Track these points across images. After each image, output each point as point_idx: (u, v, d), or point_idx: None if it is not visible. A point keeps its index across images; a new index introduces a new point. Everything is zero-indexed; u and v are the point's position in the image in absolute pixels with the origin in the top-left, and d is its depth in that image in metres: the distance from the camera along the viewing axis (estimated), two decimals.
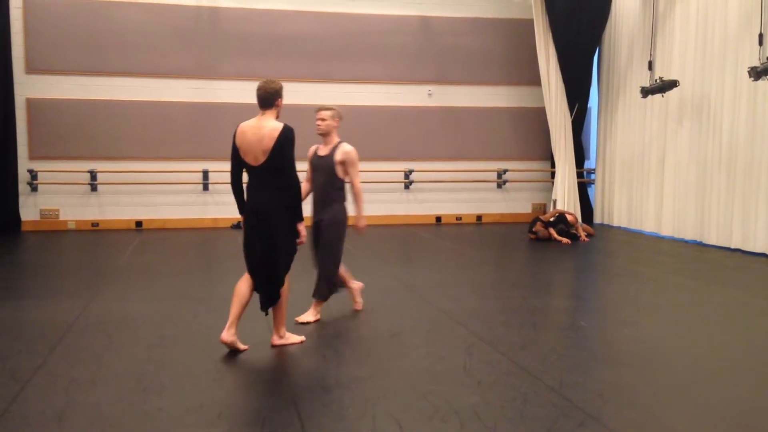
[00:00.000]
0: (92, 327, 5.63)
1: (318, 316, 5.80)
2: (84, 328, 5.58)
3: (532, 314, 6.18)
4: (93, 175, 12.18)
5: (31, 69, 11.93)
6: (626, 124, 12.84)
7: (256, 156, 4.80)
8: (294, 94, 12.94)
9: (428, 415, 3.78)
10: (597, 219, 13.74)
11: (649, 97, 11.57)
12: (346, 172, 5.78)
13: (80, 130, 12.08)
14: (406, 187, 13.63)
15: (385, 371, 4.52)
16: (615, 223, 13.20)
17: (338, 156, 5.75)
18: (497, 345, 5.11)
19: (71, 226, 12.30)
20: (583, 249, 10.42)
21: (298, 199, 4.90)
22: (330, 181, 5.78)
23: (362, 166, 13.98)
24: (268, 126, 4.81)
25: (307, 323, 5.71)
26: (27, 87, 11.91)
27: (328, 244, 5.80)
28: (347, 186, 5.90)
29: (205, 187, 12.77)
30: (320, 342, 5.27)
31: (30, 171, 11.98)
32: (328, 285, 5.81)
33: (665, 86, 10.95)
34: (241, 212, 5.01)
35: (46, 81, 11.98)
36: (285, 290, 5.00)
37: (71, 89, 12.08)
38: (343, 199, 5.85)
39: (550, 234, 10.97)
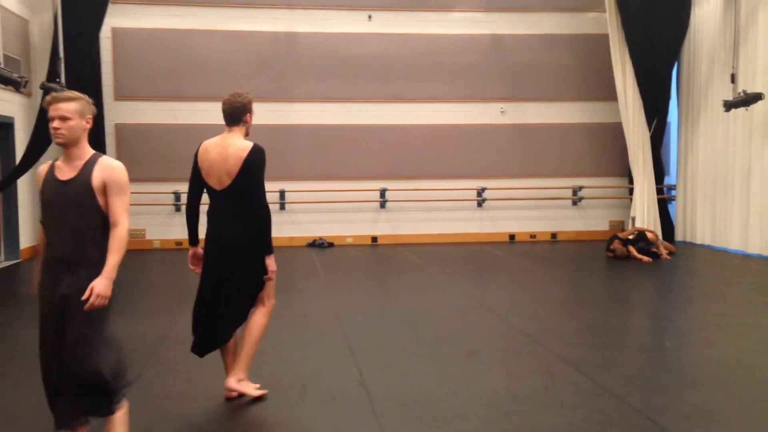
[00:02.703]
0: (181, 343, 5.84)
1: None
2: (173, 344, 5.80)
3: (613, 334, 6.05)
4: (177, 196, 12.68)
5: (119, 96, 12.56)
6: (708, 139, 12.44)
7: (219, 178, 4.18)
8: (366, 114, 13.23)
9: None
10: (678, 236, 13.31)
11: (732, 110, 11.19)
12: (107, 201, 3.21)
13: (164, 153, 12.60)
14: (479, 204, 13.58)
15: (464, 390, 4.53)
16: (698, 241, 12.75)
17: (96, 179, 3.16)
18: (579, 365, 5.03)
19: (156, 245, 12.81)
20: (665, 268, 10.11)
21: (268, 230, 4.23)
22: (80, 224, 3.17)
23: (434, 184, 14.22)
24: (235, 145, 4.18)
25: None
26: (115, 113, 12.54)
27: (78, 342, 3.17)
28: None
29: (282, 207, 13.08)
30: (398, 359, 5.31)
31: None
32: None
33: (749, 99, 10.56)
34: (191, 242, 4.37)
35: (132, 107, 12.59)
36: (261, 324, 4.37)
37: (156, 114, 12.65)
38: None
39: (629, 252, 10.70)
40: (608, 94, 13.21)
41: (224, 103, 4.30)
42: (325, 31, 13.07)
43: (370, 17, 13.14)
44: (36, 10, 11.79)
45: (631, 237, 10.92)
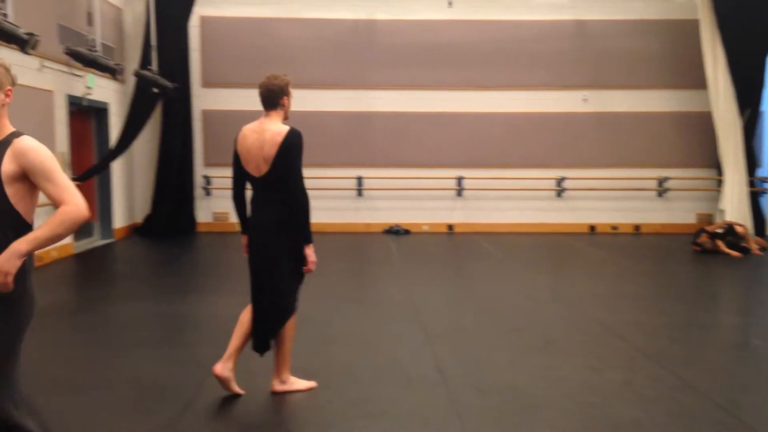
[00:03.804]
0: None
1: None
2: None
3: (698, 330, 5.88)
4: None
5: (206, 83, 12.98)
6: None
7: (257, 165, 4.03)
8: (444, 101, 13.19)
9: (588, 426, 3.74)
10: None
11: None
12: (28, 192, 2.69)
13: None
14: (558, 194, 13.35)
15: (541, 380, 4.52)
16: None
17: (6, 166, 2.62)
18: (660, 360, 4.92)
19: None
20: (755, 263, 9.69)
21: (306, 217, 4.05)
22: None
23: (513, 173, 14.06)
24: (271, 130, 4.02)
25: None
26: (202, 99, 12.97)
27: None
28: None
29: (359, 193, 13.25)
30: (474, 347, 5.34)
31: (205, 177, 13.03)
32: None
33: None
34: (242, 230, 4.25)
35: (218, 94, 12.98)
36: (291, 324, 4.21)
37: (240, 101, 12.95)
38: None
39: (717, 246, 10.31)
40: (697, 81, 12.70)
41: (260, 86, 4.15)
42: (404, 18, 13.09)
43: (450, 4, 13.04)
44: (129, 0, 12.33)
45: (719, 231, 10.52)
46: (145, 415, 3.93)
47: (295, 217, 4.02)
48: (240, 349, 4.18)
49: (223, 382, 4.12)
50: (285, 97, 4.14)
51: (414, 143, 13.17)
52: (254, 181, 4.08)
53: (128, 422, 3.82)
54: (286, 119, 4.15)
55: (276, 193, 4.01)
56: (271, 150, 3.96)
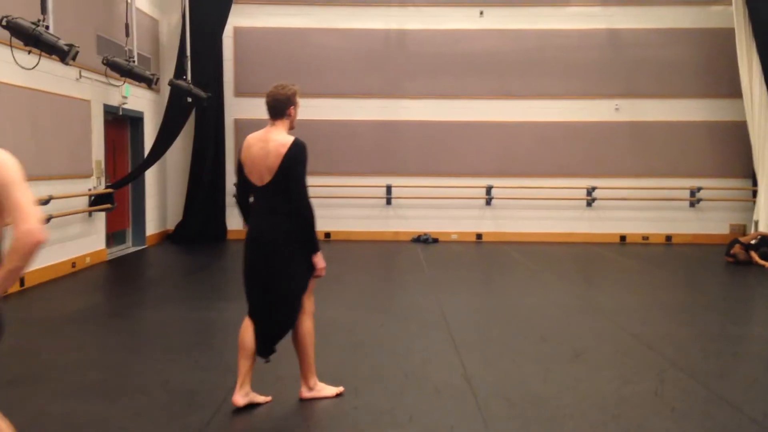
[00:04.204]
0: None
1: None
2: None
3: (731, 342, 5.79)
4: None
5: (238, 92, 13.16)
6: None
7: (261, 174, 4.02)
8: (475, 111, 13.19)
9: None
10: None
11: None
12: None
13: None
14: (589, 204, 13.24)
15: (571, 390, 4.49)
16: None
17: None
18: (692, 372, 4.86)
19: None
20: None
21: (312, 228, 4.03)
22: None
23: (542, 182, 14.01)
24: (276, 140, 4.00)
25: None
26: (235, 108, 13.15)
27: None
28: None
29: (388, 202, 13.29)
30: (503, 356, 5.32)
31: (236, 185, 13.16)
32: None
33: None
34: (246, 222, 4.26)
35: (251, 103, 13.10)
36: (309, 330, 4.20)
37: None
38: None
39: (750, 257, 10.14)
40: (732, 91, 12.53)
41: (267, 96, 4.11)
42: (436, 27, 13.14)
43: (481, 13, 13.08)
44: (165, 11, 12.57)
45: (753, 242, 10.34)
46: (175, 419, 3.99)
47: (300, 227, 4.01)
48: (250, 370, 4.14)
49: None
50: (292, 107, 4.11)
51: (444, 152, 13.19)
52: (257, 190, 4.07)
53: (159, 427, 3.89)
54: (291, 129, 4.15)
55: (278, 203, 4.00)
56: (276, 160, 3.95)
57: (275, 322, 4.13)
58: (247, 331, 4.14)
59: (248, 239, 4.12)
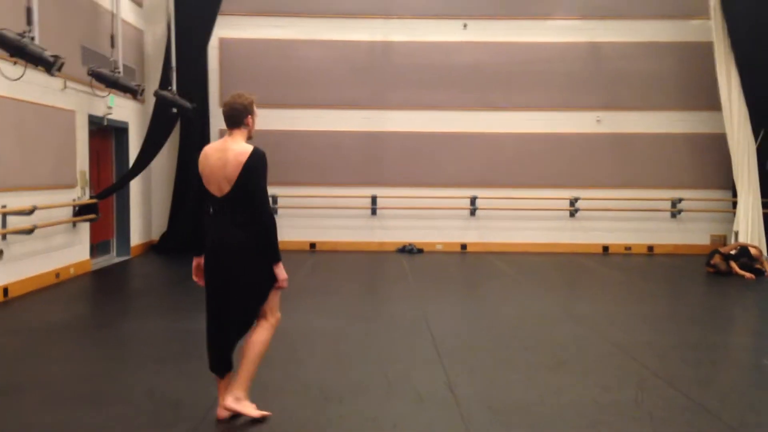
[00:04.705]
0: (277, 339, 6.06)
1: None
2: (273, 339, 6.09)
3: (710, 350, 5.89)
4: (274, 199, 13.17)
5: (223, 102, 13.16)
6: None
7: (219, 185, 3.96)
8: (459, 122, 13.31)
9: None
10: None
11: None
12: None
13: None
14: (572, 215, 13.38)
15: (552, 398, 4.56)
16: None
17: None
18: (671, 380, 4.95)
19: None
20: None
21: (273, 237, 3.97)
22: None
23: (526, 193, 14.10)
24: (235, 149, 3.94)
25: None
26: (220, 119, 12.95)
27: None
28: None
29: (373, 212, 13.35)
30: (486, 365, 5.39)
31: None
32: None
33: None
34: (198, 252, 4.17)
35: None
36: (262, 340, 4.08)
37: (257, 121, 13.18)
38: None
39: (730, 268, 10.29)
40: (711, 103, 12.74)
41: (224, 105, 4.08)
42: (420, 40, 13.26)
43: (465, 26, 13.23)
44: (150, 22, 12.59)
45: (733, 252, 10.50)
46: (162, 428, 4.01)
47: (260, 237, 3.95)
48: (225, 387, 4.10)
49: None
50: (249, 116, 4.06)
51: (428, 163, 13.28)
52: (215, 201, 4.00)
53: None
54: (250, 138, 4.08)
55: (238, 214, 3.94)
56: (235, 170, 3.89)
57: (227, 330, 4.04)
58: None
59: (208, 250, 4.05)
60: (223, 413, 4.09)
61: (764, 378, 5.15)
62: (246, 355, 4.04)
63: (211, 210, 4.04)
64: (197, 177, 4.09)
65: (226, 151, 3.95)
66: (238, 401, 4.05)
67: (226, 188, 3.93)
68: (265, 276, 4.01)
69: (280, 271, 4.03)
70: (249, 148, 3.95)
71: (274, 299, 4.13)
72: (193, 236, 12.47)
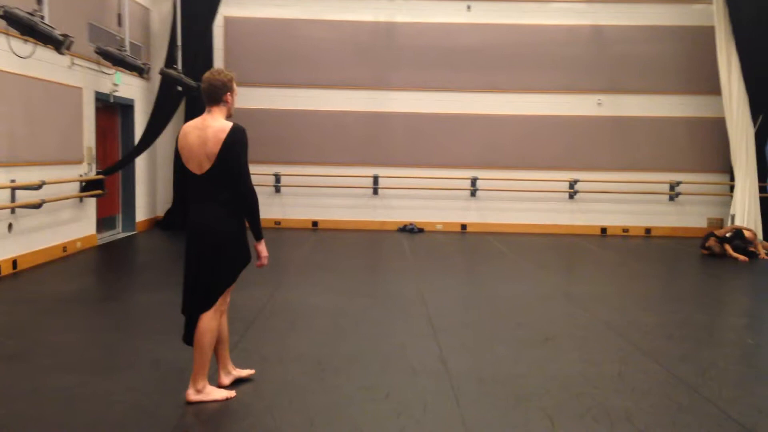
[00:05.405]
0: (277, 313, 6.37)
1: None
2: (271, 314, 6.32)
3: (696, 329, 6.09)
4: (277, 177, 13.36)
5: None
6: None
7: (199, 163, 3.93)
8: (461, 103, 13.43)
9: (579, 414, 3.99)
10: None
11: None
12: None
13: (268, 136, 13.26)
14: (571, 196, 13.54)
15: (539, 371, 4.76)
16: None
17: None
18: (655, 356, 5.15)
19: None
20: (762, 267, 9.84)
21: (255, 215, 4.02)
22: None
23: (526, 174, 14.23)
24: (214, 126, 3.92)
25: None
26: None
27: None
28: None
29: (375, 192, 13.52)
30: (478, 340, 5.60)
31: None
32: None
33: None
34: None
35: (241, 92, 13.12)
36: (210, 328, 4.04)
37: (261, 100, 13.33)
38: None
39: (724, 250, 10.47)
40: (711, 87, 12.84)
41: (203, 81, 4.02)
42: (424, 21, 13.35)
43: (468, 8, 13.31)
44: (157, 0, 12.69)
45: (727, 235, 10.67)
46: (168, 394, 4.23)
47: (243, 214, 3.99)
48: (225, 352, 4.30)
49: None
50: (228, 93, 4.01)
51: (430, 144, 13.43)
52: (195, 178, 3.97)
53: (153, 401, 4.12)
54: (230, 116, 4.06)
55: (219, 191, 3.93)
56: (214, 147, 3.87)
57: (193, 305, 4.07)
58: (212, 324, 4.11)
59: (187, 228, 4.07)
60: (224, 380, 4.30)
61: (746, 355, 5.34)
62: (197, 346, 4.04)
63: (192, 188, 4.02)
64: (177, 155, 4.10)
65: (205, 129, 3.92)
66: (199, 393, 4.05)
67: (206, 166, 3.91)
68: (238, 258, 4.05)
69: (262, 248, 4.12)
70: (228, 125, 3.93)
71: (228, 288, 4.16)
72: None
